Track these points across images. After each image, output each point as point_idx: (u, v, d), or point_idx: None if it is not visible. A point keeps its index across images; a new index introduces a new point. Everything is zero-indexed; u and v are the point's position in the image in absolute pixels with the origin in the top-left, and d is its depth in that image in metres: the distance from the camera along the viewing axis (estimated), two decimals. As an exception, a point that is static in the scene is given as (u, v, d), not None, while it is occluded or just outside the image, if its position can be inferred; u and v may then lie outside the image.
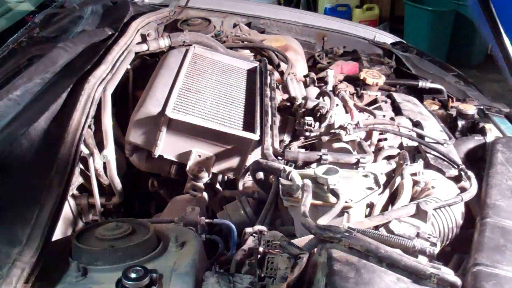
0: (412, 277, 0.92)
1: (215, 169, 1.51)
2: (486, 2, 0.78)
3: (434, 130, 1.63)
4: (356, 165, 1.36)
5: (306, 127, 1.62)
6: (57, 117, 1.24)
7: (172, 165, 1.57)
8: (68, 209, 1.42)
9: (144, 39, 1.84)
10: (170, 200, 1.50)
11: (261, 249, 1.06)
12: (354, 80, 2.01)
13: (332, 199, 1.19)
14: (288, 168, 1.27)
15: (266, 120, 1.56)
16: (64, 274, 0.89)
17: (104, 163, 1.47)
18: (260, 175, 1.38)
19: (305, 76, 2.02)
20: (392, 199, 1.29)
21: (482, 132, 1.62)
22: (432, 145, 1.50)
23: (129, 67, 1.73)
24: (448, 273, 0.92)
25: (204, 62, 1.79)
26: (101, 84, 1.42)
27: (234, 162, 1.52)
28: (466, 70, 2.82)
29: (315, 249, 1.03)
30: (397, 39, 2.55)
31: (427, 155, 1.47)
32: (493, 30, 0.80)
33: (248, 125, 1.57)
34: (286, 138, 1.71)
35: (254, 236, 1.12)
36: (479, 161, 1.50)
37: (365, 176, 1.29)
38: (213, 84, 1.69)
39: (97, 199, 1.52)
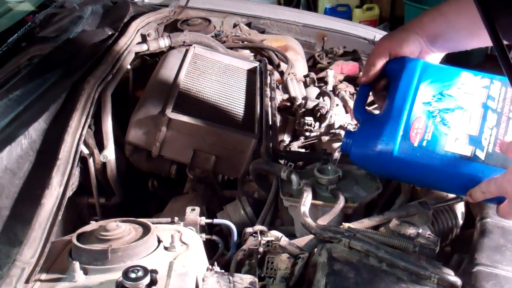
0: (412, 277, 0.92)
1: (215, 169, 1.51)
2: (483, 2, 0.78)
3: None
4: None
5: (306, 127, 1.62)
6: (57, 117, 1.24)
7: (172, 165, 1.57)
8: (68, 209, 1.42)
9: (144, 39, 1.84)
10: (170, 200, 1.51)
11: (261, 249, 1.06)
12: (354, 80, 2.01)
13: (332, 199, 1.19)
14: (288, 168, 1.27)
15: (266, 120, 1.56)
16: (64, 274, 0.89)
17: (104, 163, 1.47)
18: (260, 175, 1.38)
19: (305, 76, 2.02)
20: (392, 199, 1.29)
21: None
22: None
23: (129, 67, 1.73)
24: (448, 273, 0.92)
25: (204, 62, 1.79)
26: (101, 84, 1.42)
27: (234, 162, 1.52)
28: (466, 70, 2.80)
29: (315, 249, 1.03)
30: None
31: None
32: (491, 30, 0.80)
33: (248, 125, 1.57)
34: (286, 138, 1.70)
35: (254, 236, 1.12)
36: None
37: (366, 176, 1.29)
38: (213, 84, 1.69)
39: (97, 199, 1.52)
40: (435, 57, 1.16)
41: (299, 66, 2.12)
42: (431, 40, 1.12)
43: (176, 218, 1.15)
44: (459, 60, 1.28)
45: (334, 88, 1.88)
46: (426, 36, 1.11)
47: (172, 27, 2.20)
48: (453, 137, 1.03)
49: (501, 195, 0.96)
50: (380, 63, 1.12)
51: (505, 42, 0.78)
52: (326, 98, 1.73)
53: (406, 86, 1.07)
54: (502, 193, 0.95)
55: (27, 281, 0.87)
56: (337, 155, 1.25)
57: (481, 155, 1.01)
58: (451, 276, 0.92)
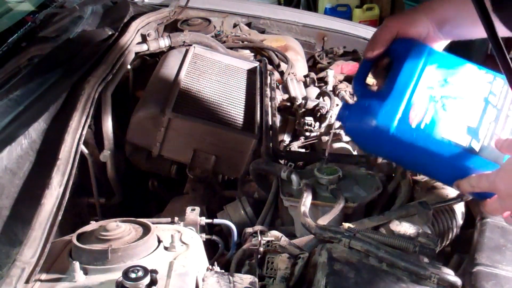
0: (412, 277, 0.92)
1: (215, 169, 1.51)
2: (482, 3, 0.78)
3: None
4: (356, 165, 1.36)
5: (306, 127, 1.62)
6: (57, 117, 1.24)
7: (172, 165, 1.57)
8: (68, 209, 1.42)
9: (144, 39, 1.84)
10: (170, 200, 1.51)
11: (261, 249, 1.06)
12: (354, 80, 2.01)
13: (332, 199, 1.19)
14: (288, 168, 1.27)
15: (266, 120, 1.56)
16: (64, 274, 0.89)
17: (104, 163, 1.47)
18: (260, 175, 1.38)
19: (305, 76, 2.02)
20: (392, 199, 1.29)
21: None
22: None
23: (129, 67, 1.73)
24: (448, 273, 0.92)
25: (204, 62, 1.79)
26: (101, 84, 1.41)
27: (234, 162, 1.52)
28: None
29: (315, 249, 1.03)
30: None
31: (427, 155, 1.47)
32: (490, 31, 0.81)
33: (248, 125, 1.57)
34: (286, 138, 1.70)
35: (254, 236, 1.12)
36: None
37: (366, 176, 1.29)
38: (213, 84, 1.69)
39: (97, 199, 1.52)
40: (439, 46, 1.15)
41: (299, 66, 2.12)
42: (439, 24, 1.11)
43: (176, 218, 1.15)
44: (459, 59, 1.28)
45: (334, 88, 1.88)
46: (435, 20, 1.10)
47: (172, 27, 2.20)
48: (452, 125, 1.02)
49: (491, 192, 0.95)
50: (387, 40, 1.10)
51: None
52: (326, 98, 1.73)
53: (411, 66, 1.06)
54: (493, 190, 0.94)
55: (27, 281, 0.87)
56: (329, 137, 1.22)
57: (476, 146, 1.00)
58: (451, 276, 0.92)
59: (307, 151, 1.66)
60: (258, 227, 1.15)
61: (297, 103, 1.71)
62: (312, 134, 1.65)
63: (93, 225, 1.00)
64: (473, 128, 1.02)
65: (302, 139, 1.65)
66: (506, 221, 0.99)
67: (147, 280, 0.81)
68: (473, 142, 1.01)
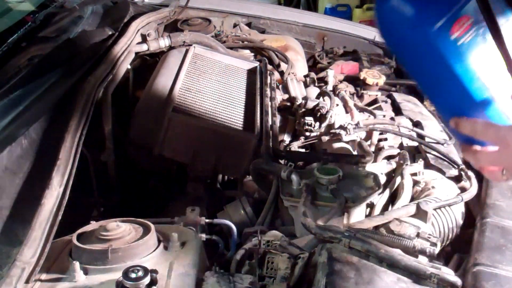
0: (412, 277, 0.92)
1: (215, 169, 1.51)
2: (485, 2, 0.78)
3: (434, 130, 1.63)
4: (356, 165, 1.36)
5: (306, 127, 1.62)
6: (57, 117, 1.24)
7: (172, 164, 1.58)
8: (68, 209, 1.42)
9: (144, 39, 1.84)
10: (170, 200, 1.51)
11: (261, 249, 1.06)
12: (354, 80, 2.01)
13: (332, 199, 1.19)
14: (288, 168, 1.27)
15: (266, 120, 1.56)
16: (64, 274, 0.89)
17: (104, 163, 1.47)
18: (260, 175, 1.38)
19: (305, 76, 2.03)
20: (392, 199, 1.29)
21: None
22: (432, 145, 1.50)
23: (129, 67, 1.73)
24: (448, 273, 0.92)
25: (204, 62, 1.79)
26: (101, 84, 1.41)
27: (234, 162, 1.52)
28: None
29: (315, 249, 1.03)
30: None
31: (427, 155, 1.47)
32: (492, 30, 0.80)
33: (248, 125, 1.57)
34: (286, 138, 1.70)
35: (254, 236, 1.12)
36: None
37: (366, 176, 1.29)
38: (213, 84, 1.69)
39: (97, 199, 1.52)
40: None
41: (299, 66, 2.12)
42: None
43: (176, 218, 1.15)
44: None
45: (334, 88, 1.88)
46: None
47: (172, 27, 2.20)
48: (485, 59, 0.95)
49: (495, 145, 0.91)
50: None
51: None
52: (326, 98, 1.73)
53: None
54: (499, 144, 0.90)
55: (27, 281, 0.87)
56: None
57: (495, 94, 0.95)
58: (451, 276, 0.92)
59: (307, 151, 1.66)
60: (258, 227, 1.15)
61: (297, 103, 1.71)
62: (312, 134, 1.65)
63: (93, 225, 1.01)
64: (502, 74, 0.95)
65: (302, 139, 1.65)
66: (490, 174, 0.95)
67: (147, 280, 0.81)
68: (494, 87, 0.95)
